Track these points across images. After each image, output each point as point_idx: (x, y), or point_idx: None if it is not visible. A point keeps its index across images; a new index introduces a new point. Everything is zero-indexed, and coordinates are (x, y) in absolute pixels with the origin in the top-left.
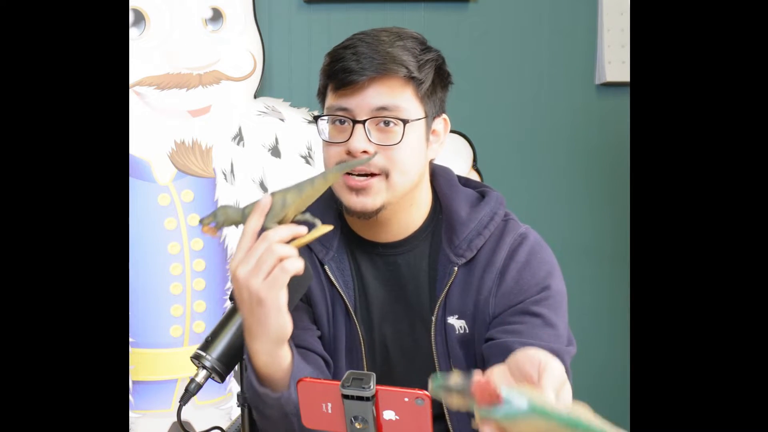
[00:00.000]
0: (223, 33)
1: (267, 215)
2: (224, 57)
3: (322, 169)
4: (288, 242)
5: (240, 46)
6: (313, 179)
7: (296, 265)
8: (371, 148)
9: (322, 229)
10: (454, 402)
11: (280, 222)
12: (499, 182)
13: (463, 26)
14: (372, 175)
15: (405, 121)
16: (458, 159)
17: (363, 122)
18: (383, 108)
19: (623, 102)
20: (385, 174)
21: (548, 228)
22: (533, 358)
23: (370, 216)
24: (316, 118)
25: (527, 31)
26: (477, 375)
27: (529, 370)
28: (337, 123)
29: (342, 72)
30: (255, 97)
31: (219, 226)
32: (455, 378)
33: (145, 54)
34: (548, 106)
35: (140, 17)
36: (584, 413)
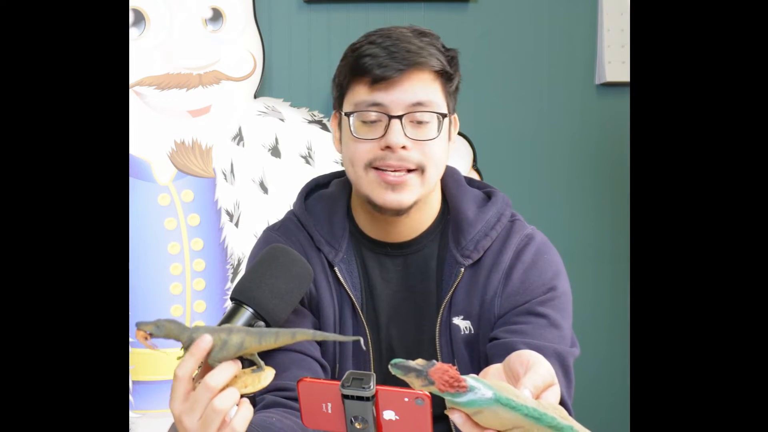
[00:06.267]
0: (223, 33)
1: (208, 355)
2: (224, 57)
3: (324, 169)
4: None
5: (240, 46)
6: (279, 333)
7: (245, 415)
8: (409, 144)
9: (267, 375)
10: (412, 383)
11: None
12: (499, 182)
13: (463, 26)
14: (408, 170)
15: (444, 116)
16: (458, 159)
17: (400, 117)
18: (419, 103)
19: (623, 102)
20: (421, 169)
21: (548, 228)
22: (523, 357)
23: (402, 213)
24: (348, 115)
25: (527, 31)
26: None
27: (517, 369)
28: (368, 122)
29: (378, 67)
30: (255, 97)
31: (155, 336)
32: (418, 361)
33: (145, 54)
34: (548, 106)
35: (140, 17)
36: (554, 411)
